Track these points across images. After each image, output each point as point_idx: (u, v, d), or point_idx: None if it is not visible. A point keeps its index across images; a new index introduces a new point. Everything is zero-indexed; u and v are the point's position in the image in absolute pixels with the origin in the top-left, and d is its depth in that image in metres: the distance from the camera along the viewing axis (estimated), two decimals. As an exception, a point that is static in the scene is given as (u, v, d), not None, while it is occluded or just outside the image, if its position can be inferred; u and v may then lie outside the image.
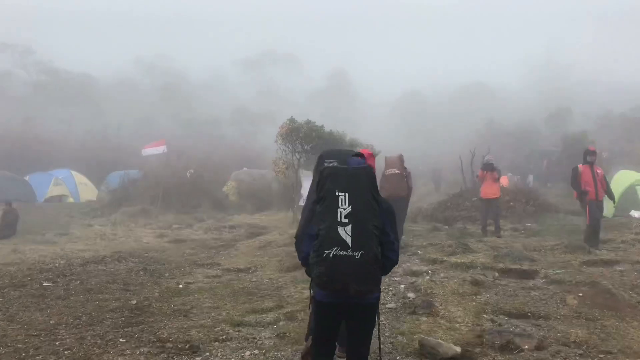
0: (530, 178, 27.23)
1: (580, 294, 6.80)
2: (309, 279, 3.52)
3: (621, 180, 15.55)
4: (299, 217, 14.53)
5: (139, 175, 21.73)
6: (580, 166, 10.46)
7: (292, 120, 14.20)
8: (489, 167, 12.53)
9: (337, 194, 3.28)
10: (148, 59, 53.63)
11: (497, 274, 8.01)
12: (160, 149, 21.45)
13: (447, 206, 15.56)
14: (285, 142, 14.26)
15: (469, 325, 5.79)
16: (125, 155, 29.10)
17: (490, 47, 64.32)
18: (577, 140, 20.38)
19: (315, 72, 57.29)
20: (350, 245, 3.18)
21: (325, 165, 3.62)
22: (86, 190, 24.69)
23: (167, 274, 9.39)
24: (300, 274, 8.82)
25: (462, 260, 8.73)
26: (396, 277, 8.06)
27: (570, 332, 5.40)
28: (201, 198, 21.13)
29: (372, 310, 3.50)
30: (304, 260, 3.54)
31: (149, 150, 22.45)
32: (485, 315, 6.11)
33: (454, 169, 26.73)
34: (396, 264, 3.59)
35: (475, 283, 7.46)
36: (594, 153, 10.52)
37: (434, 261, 9.00)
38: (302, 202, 14.52)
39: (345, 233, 3.20)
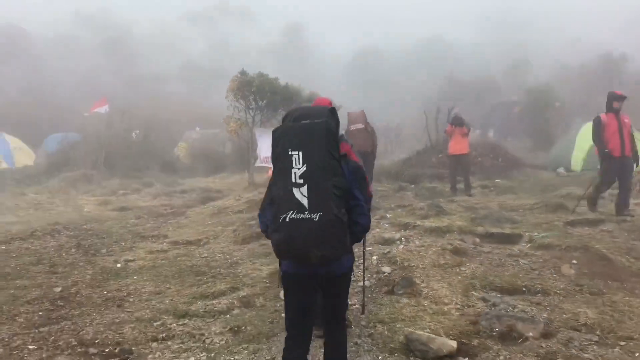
0: (491, 132, 26.82)
1: (575, 261, 6.05)
2: (271, 252, 3.30)
3: (588, 133, 14.97)
4: (255, 179, 13.20)
5: (79, 137, 19.92)
6: (602, 115, 8.37)
7: (243, 73, 12.85)
8: (457, 122, 11.67)
9: (290, 153, 2.97)
10: (88, 12, 49.96)
11: (477, 240, 7.19)
12: (103, 108, 19.68)
13: (412, 164, 14.72)
14: (237, 98, 12.94)
15: (458, 306, 4.93)
16: (64, 115, 26.92)
17: (446, 2, 62.99)
18: (542, 92, 19.79)
19: (269, 26, 54.83)
20: (307, 207, 2.90)
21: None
22: (22, 154, 22.62)
23: (104, 250, 8.19)
24: (258, 245, 7.81)
25: (437, 225, 7.86)
26: (366, 246, 7.12)
27: (578, 313, 4.59)
28: (149, 161, 19.61)
29: (344, 281, 3.27)
30: (264, 230, 3.25)
31: (93, 111, 20.61)
32: (474, 293, 5.26)
33: (415, 124, 25.98)
34: (368, 230, 3.28)
35: (456, 251, 6.60)
36: (621, 98, 8.32)
37: (405, 226, 8.09)
38: (258, 163, 13.39)
39: (301, 194, 2.92)
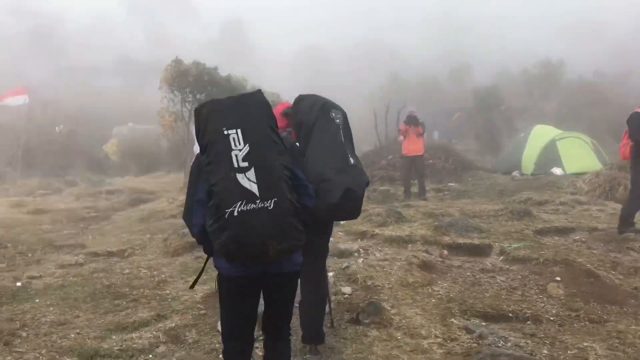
0: (436, 134, 26.60)
1: (558, 278, 5.31)
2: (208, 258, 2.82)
3: (540, 135, 14.71)
4: None
5: (-9, 131, 17.88)
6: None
7: (177, 61, 11.56)
8: (413, 121, 10.92)
9: (226, 132, 2.51)
10: (13, -1, 46.38)
11: (445, 252, 6.36)
12: (21, 99, 17.72)
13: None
14: (172, 90, 11.67)
15: (440, 340, 4.02)
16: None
17: (389, 6, 63.18)
18: (490, 94, 19.53)
19: (209, 20, 53.02)
20: (257, 194, 2.44)
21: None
22: None
23: (4, 264, 6.85)
24: (192, 258, 6.67)
25: (397, 234, 7.00)
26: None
27: (585, 348, 3.79)
28: (74, 158, 17.89)
29: (293, 280, 2.84)
30: (200, 235, 2.66)
31: (6, 101, 18.58)
32: (454, 320, 4.38)
33: (360, 123, 25.34)
34: (314, 214, 2.83)
35: (424, 267, 5.75)
36: None
37: (363, 235, 7.21)
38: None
39: (247, 180, 2.45)
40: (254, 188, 2.44)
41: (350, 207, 3.36)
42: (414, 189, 11.23)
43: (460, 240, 6.72)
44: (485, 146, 19.70)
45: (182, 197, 10.81)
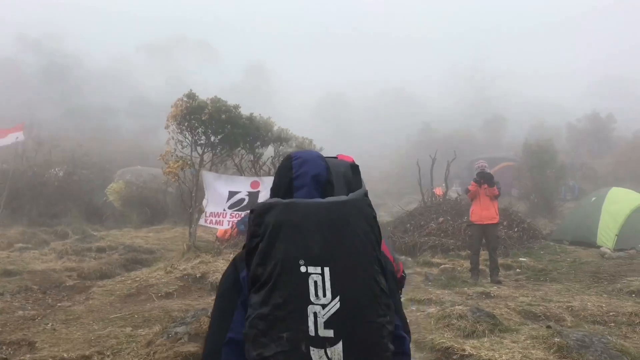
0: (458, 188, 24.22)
1: None
2: None
3: (618, 200, 12.15)
4: (198, 240, 9.19)
5: (-26, 172, 15.83)
6: None
7: (190, 95, 9.39)
8: (486, 179, 8.51)
9: (304, 269, 1.31)
10: (33, 37, 45.66)
11: (600, 404, 3.83)
12: (13, 136, 15.73)
13: (407, 228, 11.43)
14: (180, 129, 9.51)
15: None
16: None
17: (412, 57, 62.37)
18: (543, 148, 17.15)
19: (230, 64, 52.20)
20: None
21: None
22: None
23: None
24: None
25: (502, 357, 4.50)
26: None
27: None
28: (70, 205, 15.68)
29: None
30: None
31: (2, 140, 16.62)
32: None
33: (389, 177, 23.12)
34: None
35: None
36: None
37: (446, 354, 4.71)
38: (202, 221, 9.82)
39: None
40: None
41: None
42: (483, 267, 8.74)
43: (610, 377, 4.19)
44: (536, 208, 17.16)
45: (184, 266, 8.38)
